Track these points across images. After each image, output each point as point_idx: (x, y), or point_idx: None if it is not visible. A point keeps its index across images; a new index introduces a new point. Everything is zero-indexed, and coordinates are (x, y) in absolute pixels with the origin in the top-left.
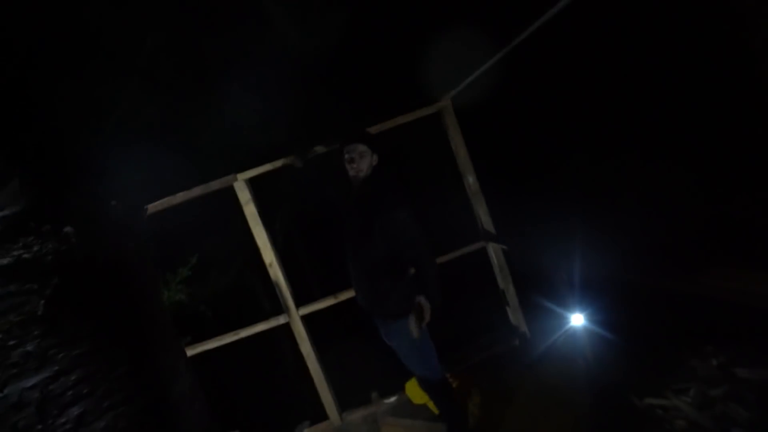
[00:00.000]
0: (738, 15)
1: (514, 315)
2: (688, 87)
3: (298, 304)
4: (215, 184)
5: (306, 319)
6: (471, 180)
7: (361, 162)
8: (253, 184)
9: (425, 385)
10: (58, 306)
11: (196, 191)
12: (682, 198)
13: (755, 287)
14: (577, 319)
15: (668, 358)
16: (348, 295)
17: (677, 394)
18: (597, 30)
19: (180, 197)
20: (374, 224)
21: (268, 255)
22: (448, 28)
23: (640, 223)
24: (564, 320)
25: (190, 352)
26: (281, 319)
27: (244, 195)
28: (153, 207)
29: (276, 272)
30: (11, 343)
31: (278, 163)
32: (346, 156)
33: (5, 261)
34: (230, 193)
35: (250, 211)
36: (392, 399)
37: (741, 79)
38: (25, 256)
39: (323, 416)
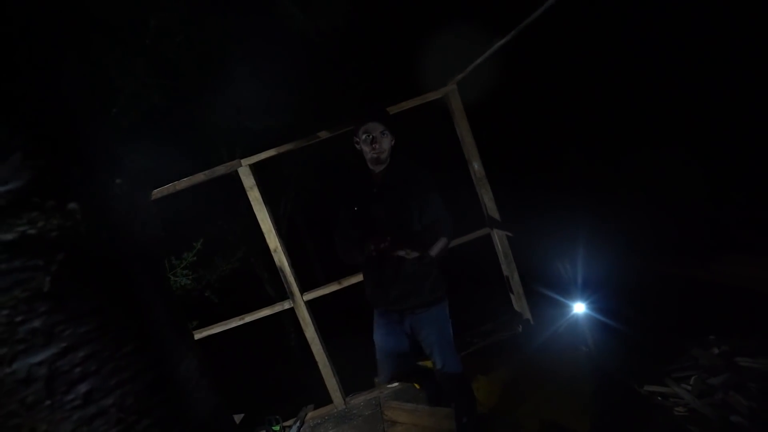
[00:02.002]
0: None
1: (518, 302)
2: (699, 81)
3: (303, 290)
4: (219, 170)
5: (310, 305)
6: (476, 166)
7: (383, 142)
8: (257, 169)
9: (448, 374)
10: (63, 282)
11: (200, 177)
12: (687, 185)
13: (759, 272)
14: (580, 307)
15: (670, 346)
16: (353, 280)
17: (678, 382)
18: (606, 19)
19: (184, 183)
20: (411, 208)
21: (273, 240)
22: (455, 10)
23: (645, 211)
24: (567, 308)
25: (196, 336)
26: (286, 305)
27: (248, 180)
28: (158, 192)
29: (280, 257)
30: (18, 319)
31: (283, 149)
32: (364, 136)
33: (9, 236)
34: (235, 178)
35: (255, 196)
36: (395, 384)
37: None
38: (30, 231)
39: (327, 400)
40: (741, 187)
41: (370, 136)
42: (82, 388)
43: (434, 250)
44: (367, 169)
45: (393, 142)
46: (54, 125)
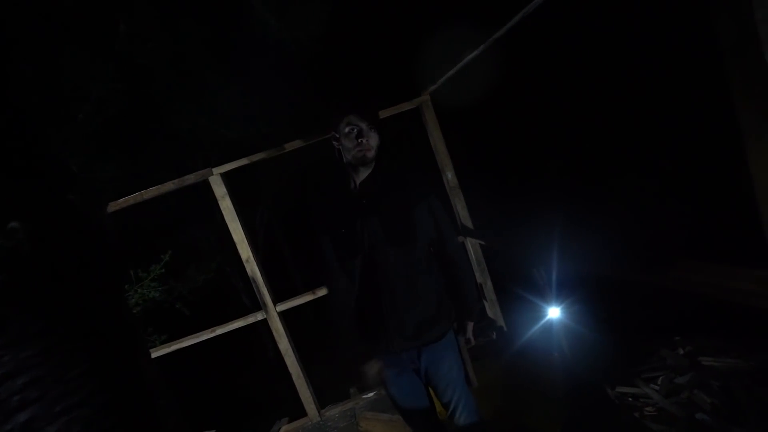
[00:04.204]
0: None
1: (492, 309)
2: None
3: (276, 300)
4: (190, 178)
5: (285, 315)
6: (450, 175)
7: (371, 138)
8: (230, 178)
9: (470, 425)
10: (3, 306)
11: (170, 185)
12: (653, 196)
13: (719, 280)
14: (554, 313)
15: (640, 348)
16: (326, 290)
17: (647, 383)
18: (579, 28)
19: (152, 191)
20: (414, 217)
21: (245, 251)
22: (429, 22)
23: (615, 219)
24: (541, 314)
25: (166, 350)
26: (259, 316)
27: (219, 189)
28: (124, 201)
29: (253, 268)
30: None
31: (255, 157)
32: (348, 129)
33: None
34: (207, 187)
35: (226, 205)
36: (371, 394)
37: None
38: None
39: (302, 412)
40: (705, 193)
41: (355, 129)
42: (22, 417)
43: (472, 294)
44: (347, 177)
45: (379, 143)
46: None
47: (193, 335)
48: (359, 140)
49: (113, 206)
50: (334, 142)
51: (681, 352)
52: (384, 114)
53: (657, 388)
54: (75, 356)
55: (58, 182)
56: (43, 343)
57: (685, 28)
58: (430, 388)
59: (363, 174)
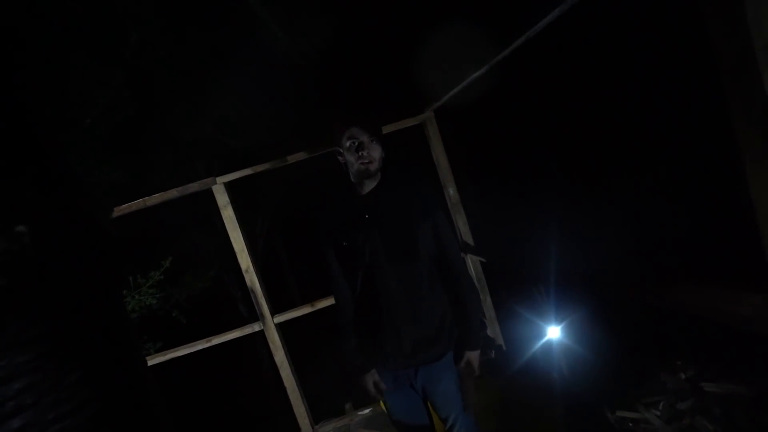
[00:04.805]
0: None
1: (491, 327)
2: (665, 103)
3: (274, 311)
4: (193, 186)
5: (282, 327)
6: (452, 191)
7: (373, 151)
8: (232, 187)
9: (463, 423)
10: (3, 310)
11: (173, 193)
12: (656, 216)
13: (719, 304)
14: (553, 333)
15: (640, 371)
16: (325, 303)
17: (647, 407)
18: (580, 47)
19: (156, 198)
20: (417, 234)
21: (245, 260)
22: (434, 40)
23: (616, 239)
24: (540, 333)
25: (161, 358)
26: (256, 327)
27: (222, 198)
28: (127, 207)
29: (252, 278)
30: None
31: (260, 168)
32: (349, 143)
33: None
34: (210, 195)
35: (228, 215)
36: (366, 411)
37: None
38: None
39: (294, 427)
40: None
41: (356, 142)
42: (15, 423)
43: (476, 322)
44: (352, 190)
45: (383, 155)
46: (5, 139)
47: (188, 344)
48: (360, 153)
49: (116, 212)
50: (338, 158)
51: (682, 376)
52: (388, 129)
53: (658, 413)
54: (71, 363)
55: (65, 187)
56: (39, 348)
57: (684, 45)
58: (428, 404)
59: (368, 187)
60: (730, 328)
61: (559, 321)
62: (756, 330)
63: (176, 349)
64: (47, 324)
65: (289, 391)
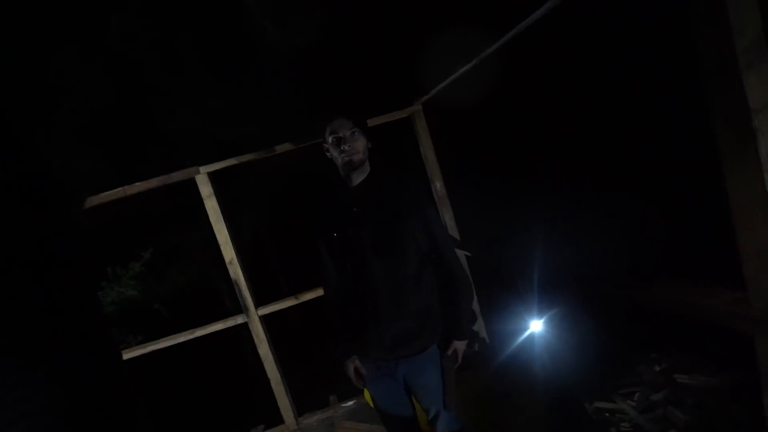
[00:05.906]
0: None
1: (475, 320)
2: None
3: (259, 304)
4: (176, 176)
5: (267, 319)
6: (438, 185)
7: (355, 142)
8: (216, 177)
9: (445, 413)
10: None
11: (155, 182)
12: (638, 215)
13: (695, 299)
14: (536, 326)
15: (618, 363)
16: (310, 296)
17: (624, 398)
18: (568, 44)
19: (137, 187)
20: (404, 230)
21: (229, 252)
22: (424, 34)
23: (597, 234)
24: (523, 326)
25: (140, 351)
26: (239, 319)
27: (205, 189)
28: (107, 197)
29: (236, 270)
30: None
31: (244, 158)
32: (331, 138)
33: None
34: (193, 185)
35: (212, 205)
36: (350, 403)
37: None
38: None
39: (278, 420)
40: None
41: (337, 136)
42: None
43: (467, 315)
44: (342, 183)
45: (369, 146)
46: None
47: (170, 336)
48: (342, 147)
49: (94, 201)
50: (326, 153)
51: (657, 368)
52: (376, 122)
53: (633, 404)
54: (37, 359)
55: (32, 178)
56: (3, 343)
57: (669, 48)
58: (412, 396)
59: (356, 179)
60: (703, 322)
61: (541, 315)
62: (727, 324)
63: (158, 341)
64: (12, 318)
65: (273, 384)
